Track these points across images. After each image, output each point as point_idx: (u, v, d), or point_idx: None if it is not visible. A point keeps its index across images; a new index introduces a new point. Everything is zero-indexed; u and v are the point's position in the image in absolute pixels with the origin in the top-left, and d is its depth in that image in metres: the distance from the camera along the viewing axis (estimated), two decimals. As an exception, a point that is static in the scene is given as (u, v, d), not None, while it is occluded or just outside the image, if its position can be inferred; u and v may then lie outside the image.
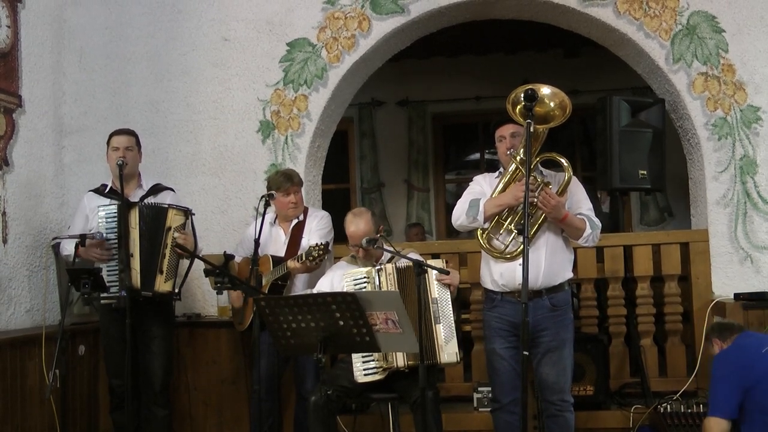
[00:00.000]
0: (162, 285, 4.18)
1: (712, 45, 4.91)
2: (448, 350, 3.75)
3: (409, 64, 7.67)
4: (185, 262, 4.35)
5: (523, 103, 3.38)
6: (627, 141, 4.86)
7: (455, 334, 3.80)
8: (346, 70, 5.18)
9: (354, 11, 5.17)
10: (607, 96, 4.95)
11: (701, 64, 4.92)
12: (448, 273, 3.78)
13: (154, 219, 4.22)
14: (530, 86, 3.41)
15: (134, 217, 4.19)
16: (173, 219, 4.23)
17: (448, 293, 3.86)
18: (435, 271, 3.78)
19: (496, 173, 3.86)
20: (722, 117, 4.89)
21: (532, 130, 3.35)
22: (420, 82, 8.34)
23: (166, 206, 4.28)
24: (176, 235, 4.19)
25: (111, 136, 4.38)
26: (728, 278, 4.82)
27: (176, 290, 4.25)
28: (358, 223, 3.99)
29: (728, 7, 4.91)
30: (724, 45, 4.90)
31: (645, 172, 4.87)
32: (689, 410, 4.28)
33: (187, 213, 4.30)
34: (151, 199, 4.34)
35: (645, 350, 4.88)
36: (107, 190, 4.38)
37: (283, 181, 4.41)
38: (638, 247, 4.98)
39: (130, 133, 4.41)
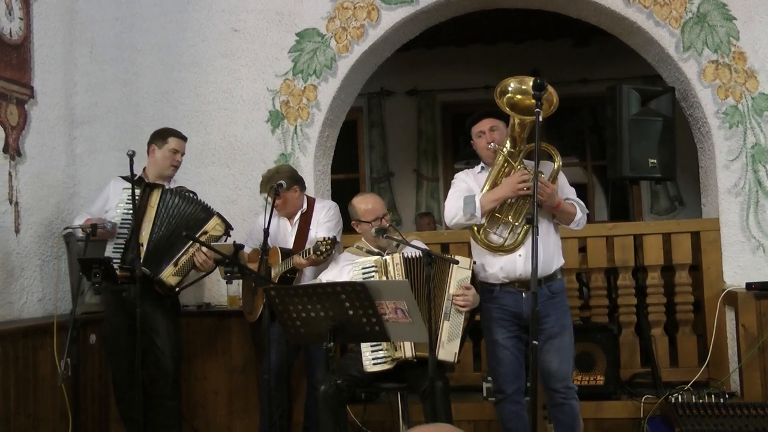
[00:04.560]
0: (170, 277, 4.20)
1: (722, 33, 4.87)
2: (447, 348, 3.72)
3: (418, 53, 7.64)
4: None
5: (531, 93, 3.39)
6: (637, 130, 4.83)
7: (460, 336, 3.76)
8: (356, 60, 5.17)
9: (363, 1, 5.16)
10: (616, 85, 4.92)
11: (712, 52, 4.88)
12: (457, 263, 3.77)
13: (182, 208, 4.23)
14: (516, 78, 3.49)
15: (155, 198, 4.22)
16: (215, 228, 4.26)
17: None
18: (457, 276, 3.76)
19: (478, 169, 3.85)
20: (733, 105, 4.85)
21: (518, 121, 3.45)
22: (429, 72, 8.31)
23: (215, 211, 4.31)
24: (203, 249, 4.16)
25: (169, 135, 4.38)
26: (740, 267, 4.79)
27: (177, 289, 4.28)
28: (368, 200, 4.08)
29: (739, -6, 4.87)
30: (734, 33, 4.86)
31: (655, 161, 4.84)
32: (700, 400, 4.25)
33: (227, 230, 4.30)
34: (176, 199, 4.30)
35: (656, 340, 4.87)
36: (137, 179, 4.34)
37: (261, 186, 4.46)
38: (649, 236, 4.95)
39: (186, 138, 4.47)
